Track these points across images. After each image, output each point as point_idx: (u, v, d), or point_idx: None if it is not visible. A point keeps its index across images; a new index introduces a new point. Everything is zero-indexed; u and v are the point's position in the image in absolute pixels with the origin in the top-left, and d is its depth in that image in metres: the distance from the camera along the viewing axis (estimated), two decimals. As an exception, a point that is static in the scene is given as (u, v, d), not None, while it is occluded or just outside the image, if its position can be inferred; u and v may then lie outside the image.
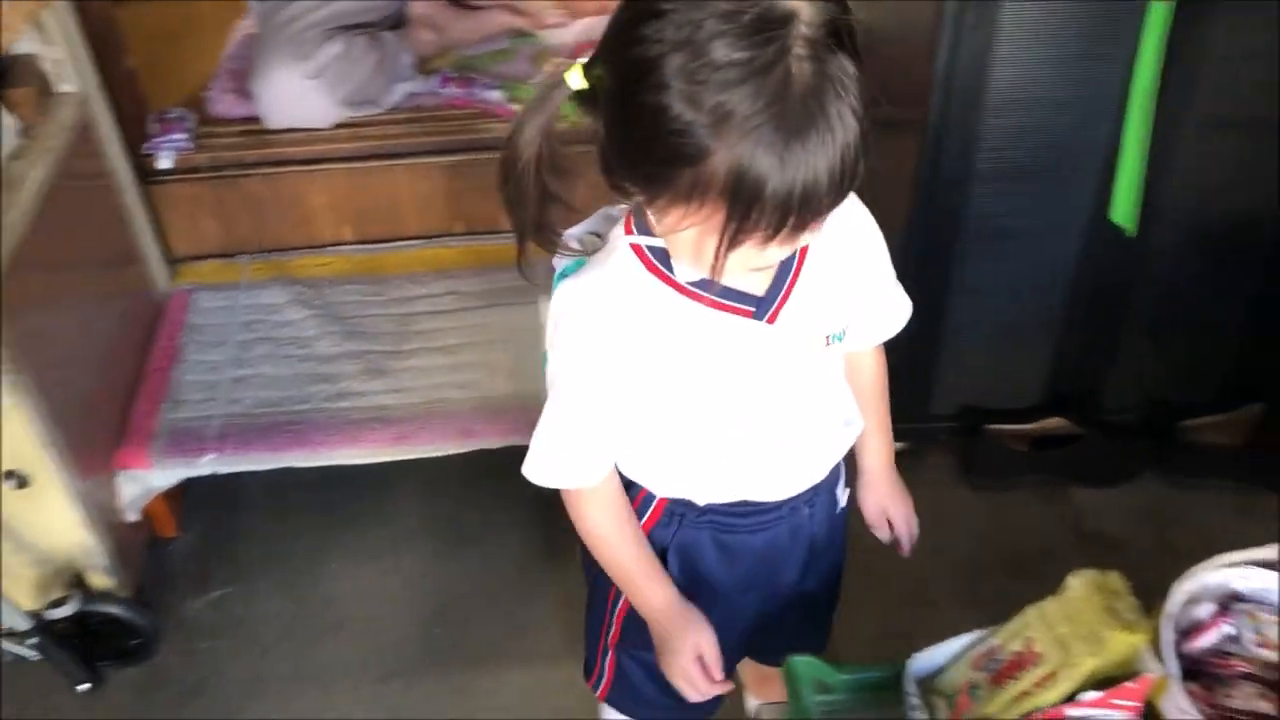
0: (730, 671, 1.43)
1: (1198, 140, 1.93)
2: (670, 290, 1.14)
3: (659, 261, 1.14)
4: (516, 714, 2.06)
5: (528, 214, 1.10)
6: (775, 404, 1.26)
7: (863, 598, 1.90)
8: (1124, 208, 1.96)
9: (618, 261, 1.15)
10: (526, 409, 2.19)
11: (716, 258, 0.98)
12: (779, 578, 1.43)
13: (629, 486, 1.34)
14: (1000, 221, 2.05)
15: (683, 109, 0.92)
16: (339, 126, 2.47)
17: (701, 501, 1.32)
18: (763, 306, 1.17)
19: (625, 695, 1.52)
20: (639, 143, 0.98)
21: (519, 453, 2.14)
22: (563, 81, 1.05)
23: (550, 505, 2.32)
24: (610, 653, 1.50)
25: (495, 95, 2.55)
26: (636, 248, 1.15)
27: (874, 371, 1.43)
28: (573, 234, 1.21)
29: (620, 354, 1.16)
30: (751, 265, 1.04)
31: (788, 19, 0.92)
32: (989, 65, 1.85)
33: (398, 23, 2.61)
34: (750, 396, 1.24)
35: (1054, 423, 2.32)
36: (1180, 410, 2.32)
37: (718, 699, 1.49)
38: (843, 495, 1.48)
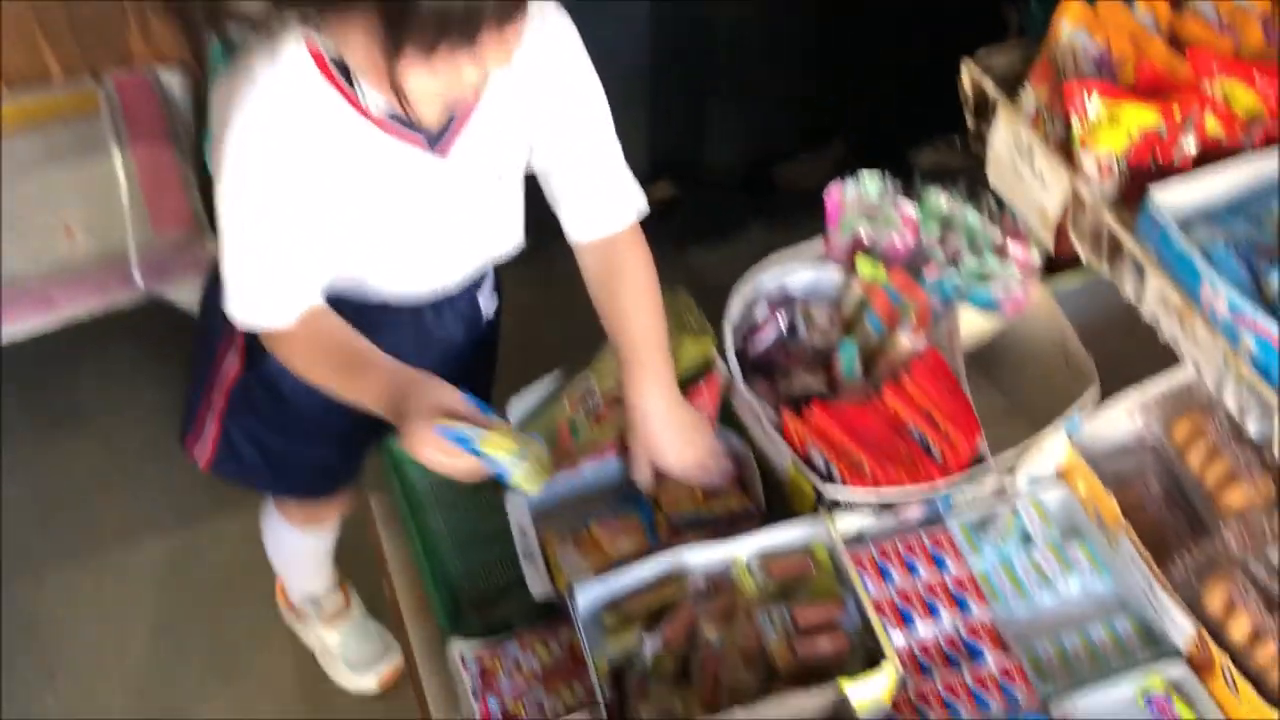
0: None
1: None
2: (348, 109, 1.06)
3: (340, 74, 1.05)
4: (168, 582, 1.97)
5: None
6: (445, 235, 1.22)
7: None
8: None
9: (291, 69, 1.04)
10: (113, 266, 2.03)
11: (390, 77, 0.95)
12: None
13: None
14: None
15: None
16: None
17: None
18: (437, 139, 1.11)
19: (234, 467, 1.46)
20: None
21: (120, 319, 2.00)
22: None
23: (169, 362, 2.23)
24: (217, 424, 1.43)
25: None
26: (318, 56, 1.04)
27: (631, 281, 1.26)
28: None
29: (294, 174, 1.07)
30: (434, 92, 0.99)
31: None
32: None
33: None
34: (421, 226, 1.19)
35: (660, 189, 2.38)
36: (773, 158, 2.43)
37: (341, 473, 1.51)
38: (488, 303, 1.43)
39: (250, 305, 1.16)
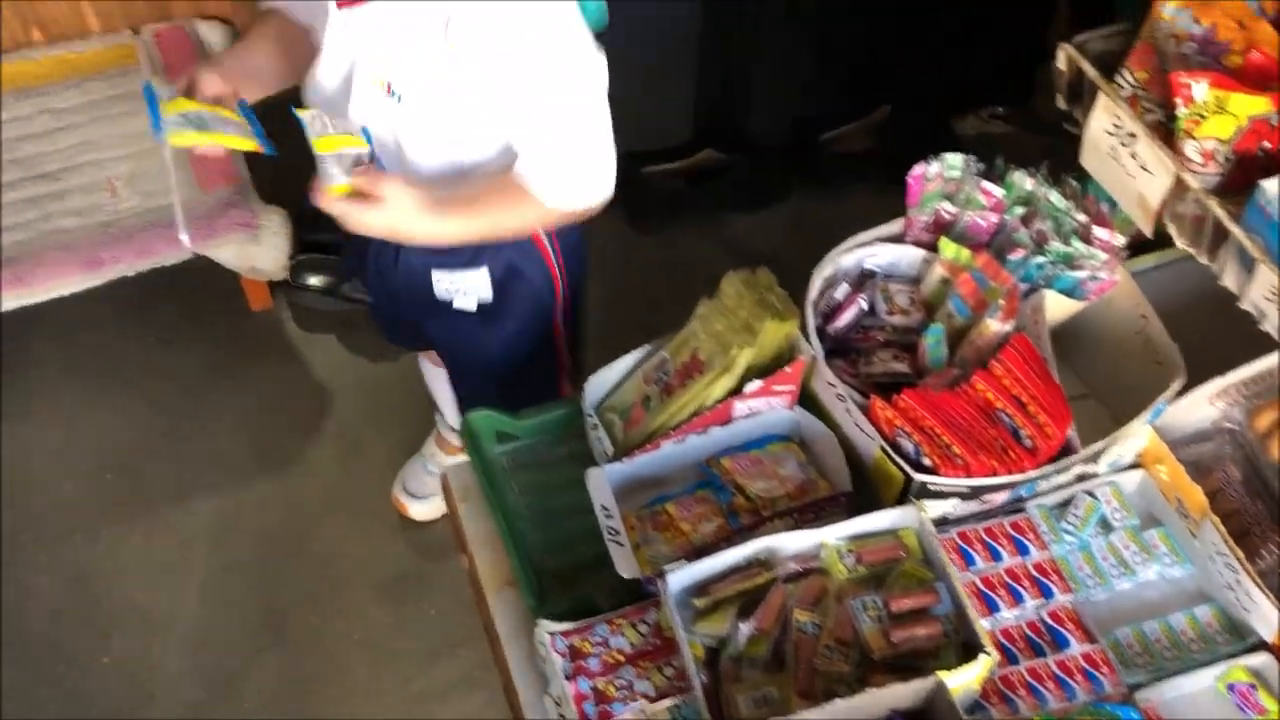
0: None
1: None
2: None
3: None
4: (216, 542, 1.97)
5: None
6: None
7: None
8: (737, -76, 1.95)
9: None
10: (158, 224, 2.01)
11: None
12: None
13: None
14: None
15: None
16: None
17: None
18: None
19: None
20: None
21: (164, 276, 1.99)
22: None
23: (210, 322, 2.22)
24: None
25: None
26: None
27: (499, 192, 1.35)
28: None
29: None
30: None
31: None
32: None
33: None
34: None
35: (705, 156, 2.36)
36: (817, 124, 2.41)
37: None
38: (454, 288, 1.51)
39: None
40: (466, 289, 1.51)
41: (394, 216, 1.27)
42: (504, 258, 1.48)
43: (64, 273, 1.95)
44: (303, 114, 1.27)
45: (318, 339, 2.21)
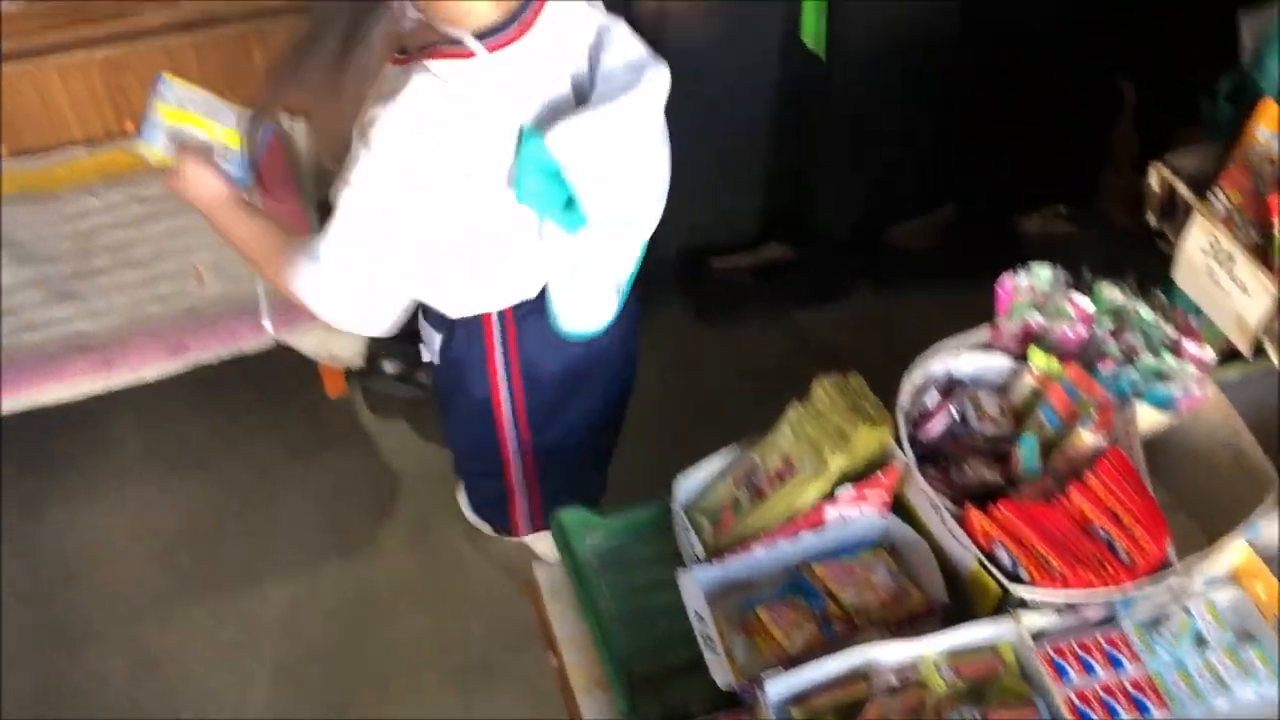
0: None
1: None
2: None
3: None
4: (287, 625, 1.99)
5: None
6: None
7: (621, 440, 1.91)
8: (812, 29, 2.00)
9: None
10: (242, 313, 2.06)
11: None
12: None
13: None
14: (698, 56, 2.04)
15: None
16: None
17: None
18: None
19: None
20: None
21: (242, 360, 2.03)
22: None
23: (285, 407, 2.26)
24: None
25: (146, -24, 2.30)
26: None
27: None
28: None
29: None
30: None
31: None
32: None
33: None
34: None
35: (772, 250, 2.40)
36: (884, 221, 2.44)
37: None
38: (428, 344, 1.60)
39: None
40: (429, 341, 1.58)
41: (192, 194, 1.38)
42: (457, 341, 1.51)
43: (150, 358, 2.00)
44: (171, 80, 1.40)
45: (390, 424, 2.25)
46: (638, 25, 1.93)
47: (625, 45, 1.34)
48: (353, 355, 2.11)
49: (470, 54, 1.23)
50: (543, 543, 1.83)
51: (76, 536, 2.07)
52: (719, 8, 1.98)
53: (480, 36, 1.23)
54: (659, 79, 1.33)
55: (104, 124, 2.29)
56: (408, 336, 2.21)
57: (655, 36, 1.95)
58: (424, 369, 2.21)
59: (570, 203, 1.29)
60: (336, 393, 2.26)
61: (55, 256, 2.12)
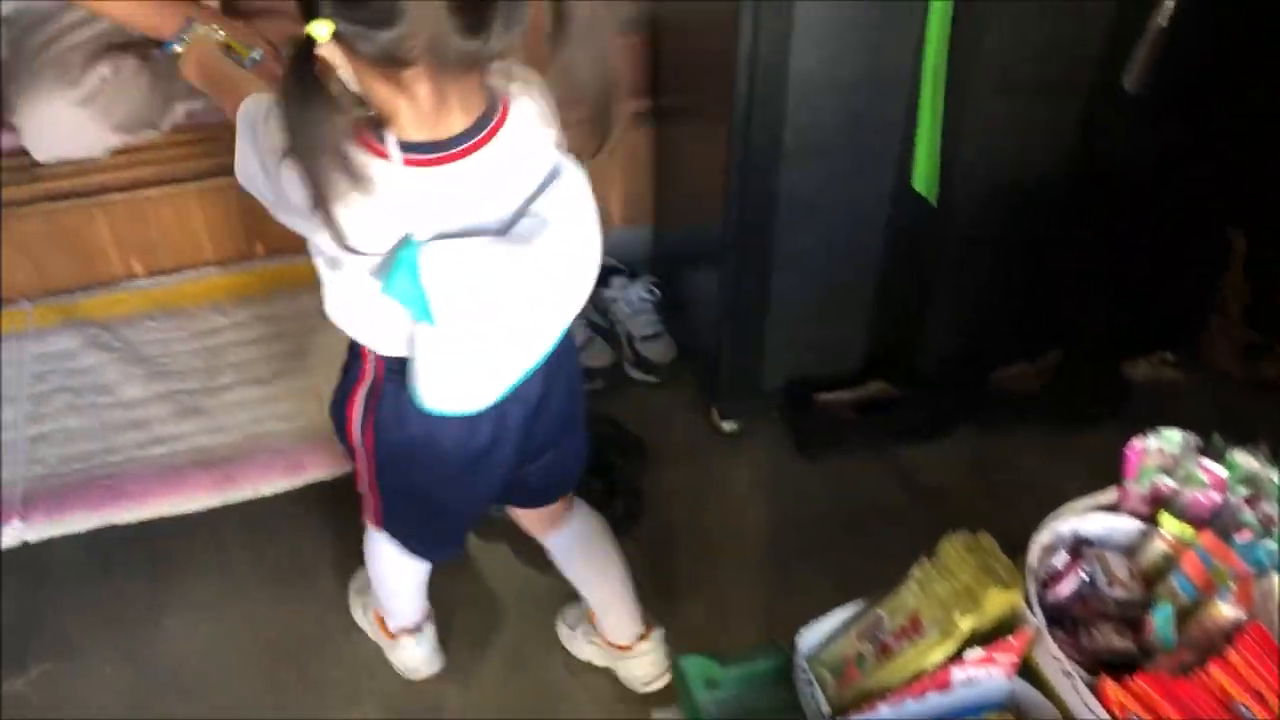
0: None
1: (988, 105, 2.03)
2: None
3: None
4: (387, 751, 1.99)
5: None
6: None
7: (717, 575, 1.91)
8: (924, 176, 2.05)
9: None
10: (357, 433, 2.12)
11: None
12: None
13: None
14: (810, 196, 2.10)
15: None
16: (117, 154, 2.30)
17: None
18: None
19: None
20: None
21: (348, 479, 2.07)
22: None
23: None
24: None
25: (283, 108, 2.43)
26: None
27: None
28: None
29: None
30: None
31: None
32: (788, 50, 1.89)
33: (168, 38, 2.45)
34: None
35: (876, 387, 2.41)
36: (989, 363, 2.44)
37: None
38: None
39: None
40: None
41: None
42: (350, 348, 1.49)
43: (268, 475, 2.07)
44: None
45: (492, 546, 2.27)
46: (757, 169, 2.02)
47: (556, 196, 1.31)
48: (461, 478, 2.15)
49: (385, 154, 1.19)
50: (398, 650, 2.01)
51: (185, 645, 2.10)
52: (834, 153, 2.03)
53: (405, 147, 1.20)
54: (555, 242, 1.29)
55: (236, 245, 2.40)
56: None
57: (768, 173, 2.02)
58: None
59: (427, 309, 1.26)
60: (442, 513, 2.29)
61: (184, 372, 2.21)
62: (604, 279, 2.70)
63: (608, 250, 2.82)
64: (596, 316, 2.68)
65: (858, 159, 2.06)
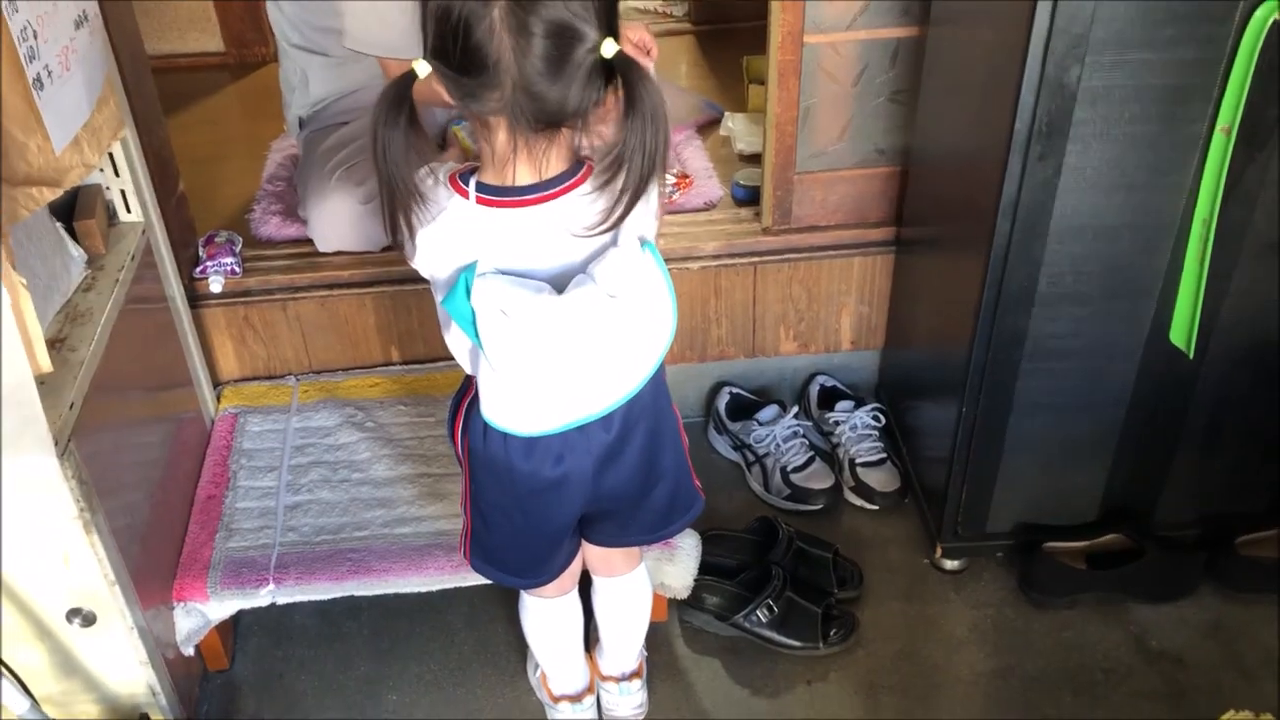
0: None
1: (1254, 263, 1.97)
2: None
3: None
4: None
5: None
6: None
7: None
8: (1182, 330, 2.00)
9: None
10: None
11: None
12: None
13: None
14: (1060, 342, 2.08)
15: None
16: (387, 249, 2.48)
17: None
18: None
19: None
20: None
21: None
22: None
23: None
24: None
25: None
26: None
27: None
28: None
29: None
30: None
31: None
32: (1053, 194, 1.89)
33: (445, 141, 2.64)
34: None
35: (1111, 539, 2.32)
36: (1235, 525, 2.33)
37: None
38: None
39: None
40: None
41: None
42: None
43: (397, 572, 2.09)
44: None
45: (704, 660, 2.28)
46: (1009, 310, 2.00)
47: (613, 262, 1.40)
48: (682, 586, 2.18)
49: (465, 194, 1.37)
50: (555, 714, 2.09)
51: (404, 721, 2.19)
52: (1089, 300, 2.01)
53: (482, 188, 1.38)
54: (593, 302, 1.38)
55: (380, 351, 2.55)
56: (727, 572, 2.28)
57: (1019, 315, 2.01)
58: (745, 613, 2.24)
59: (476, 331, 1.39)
60: (658, 619, 2.32)
61: (430, 456, 2.32)
62: (829, 401, 2.71)
63: (833, 372, 2.84)
64: (818, 439, 2.69)
65: (1113, 306, 2.03)
